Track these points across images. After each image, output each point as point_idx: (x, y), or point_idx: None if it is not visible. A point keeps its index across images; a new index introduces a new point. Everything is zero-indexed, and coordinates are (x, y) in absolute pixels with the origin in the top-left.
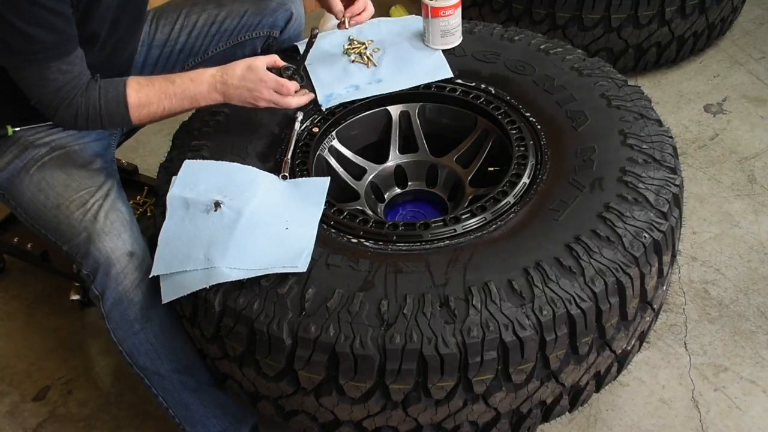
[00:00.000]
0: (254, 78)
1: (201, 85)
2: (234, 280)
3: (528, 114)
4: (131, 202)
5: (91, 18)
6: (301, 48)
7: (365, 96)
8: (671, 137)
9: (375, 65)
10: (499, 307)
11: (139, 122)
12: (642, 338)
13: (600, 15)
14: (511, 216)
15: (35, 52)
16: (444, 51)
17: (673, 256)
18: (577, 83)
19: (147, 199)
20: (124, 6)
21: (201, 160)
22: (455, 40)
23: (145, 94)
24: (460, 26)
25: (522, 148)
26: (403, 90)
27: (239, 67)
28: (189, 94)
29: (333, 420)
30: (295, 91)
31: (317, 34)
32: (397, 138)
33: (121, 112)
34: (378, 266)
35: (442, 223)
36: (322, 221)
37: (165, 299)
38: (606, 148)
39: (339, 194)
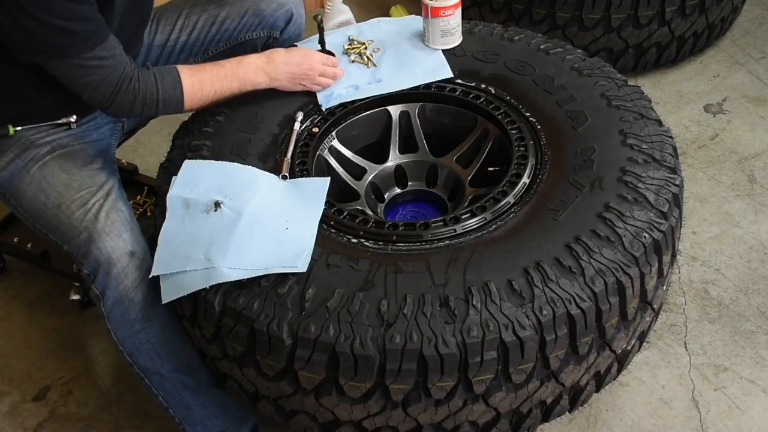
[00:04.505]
0: (300, 53)
1: (248, 66)
2: (234, 280)
3: (528, 114)
4: (131, 202)
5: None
6: (303, 46)
7: (365, 96)
8: (671, 137)
9: (375, 65)
10: (499, 307)
11: (191, 107)
12: (642, 338)
13: (600, 15)
14: (511, 216)
15: (74, 44)
16: (444, 51)
17: (673, 256)
18: (577, 83)
19: (147, 199)
20: (131, 11)
21: (201, 160)
22: (455, 40)
23: (198, 78)
24: (460, 26)
25: (522, 148)
26: (403, 90)
27: (281, 49)
28: (238, 75)
29: (333, 420)
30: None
31: (321, 19)
32: (397, 138)
33: (177, 96)
34: (378, 266)
35: (442, 223)
36: (322, 221)
37: (165, 299)
38: (606, 148)
39: (339, 194)
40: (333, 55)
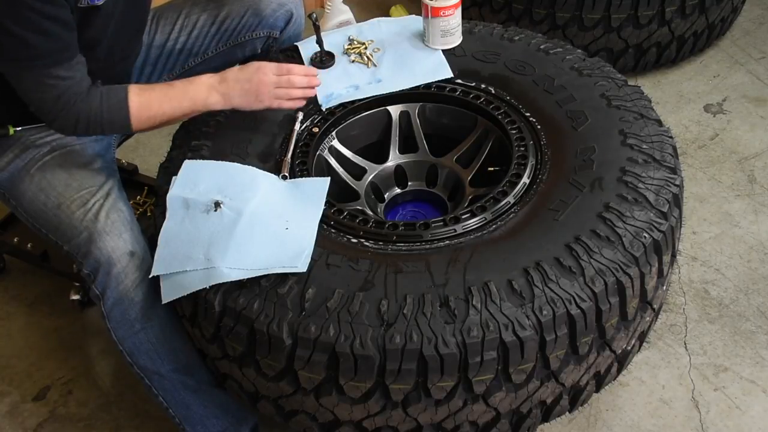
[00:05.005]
0: (252, 68)
1: (200, 86)
2: (234, 280)
3: (528, 114)
4: (131, 202)
5: (89, 26)
6: (302, 46)
7: (365, 96)
8: (671, 137)
9: (375, 65)
10: (499, 307)
11: (140, 128)
12: (642, 338)
13: (600, 15)
14: (511, 216)
15: (32, 58)
16: (444, 51)
17: (673, 256)
18: (577, 83)
19: (147, 199)
20: (127, 15)
21: (201, 160)
22: (455, 40)
23: (146, 97)
24: (460, 26)
25: (522, 148)
26: (403, 90)
27: (235, 67)
28: (189, 95)
29: (333, 420)
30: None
31: (316, 17)
32: (397, 138)
33: (123, 117)
34: (378, 266)
35: (442, 223)
36: (322, 221)
37: (165, 299)
38: (606, 148)
39: (339, 194)
40: (332, 55)
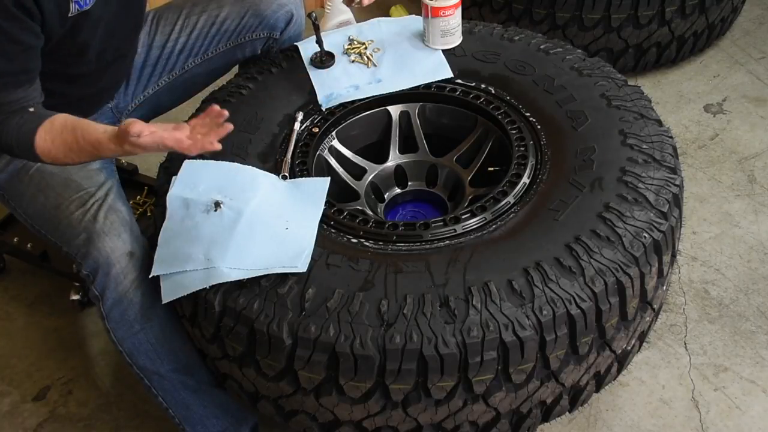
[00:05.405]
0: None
1: (105, 152)
2: (234, 280)
3: (528, 114)
4: (131, 202)
5: (80, 30)
6: (302, 46)
7: (365, 96)
8: (671, 137)
9: (375, 65)
10: (499, 307)
11: (53, 163)
12: (642, 338)
13: (600, 15)
14: (511, 216)
15: None
16: (444, 51)
17: (673, 256)
18: (577, 83)
19: (147, 199)
20: (120, 15)
21: (201, 160)
22: (455, 40)
23: (50, 138)
24: (460, 26)
25: (522, 148)
26: (403, 90)
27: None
28: (93, 155)
29: (333, 420)
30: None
31: (316, 17)
32: (397, 138)
33: (30, 150)
34: (378, 266)
35: (442, 223)
36: (322, 221)
37: (165, 299)
38: (606, 148)
39: (339, 194)
40: (332, 55)
